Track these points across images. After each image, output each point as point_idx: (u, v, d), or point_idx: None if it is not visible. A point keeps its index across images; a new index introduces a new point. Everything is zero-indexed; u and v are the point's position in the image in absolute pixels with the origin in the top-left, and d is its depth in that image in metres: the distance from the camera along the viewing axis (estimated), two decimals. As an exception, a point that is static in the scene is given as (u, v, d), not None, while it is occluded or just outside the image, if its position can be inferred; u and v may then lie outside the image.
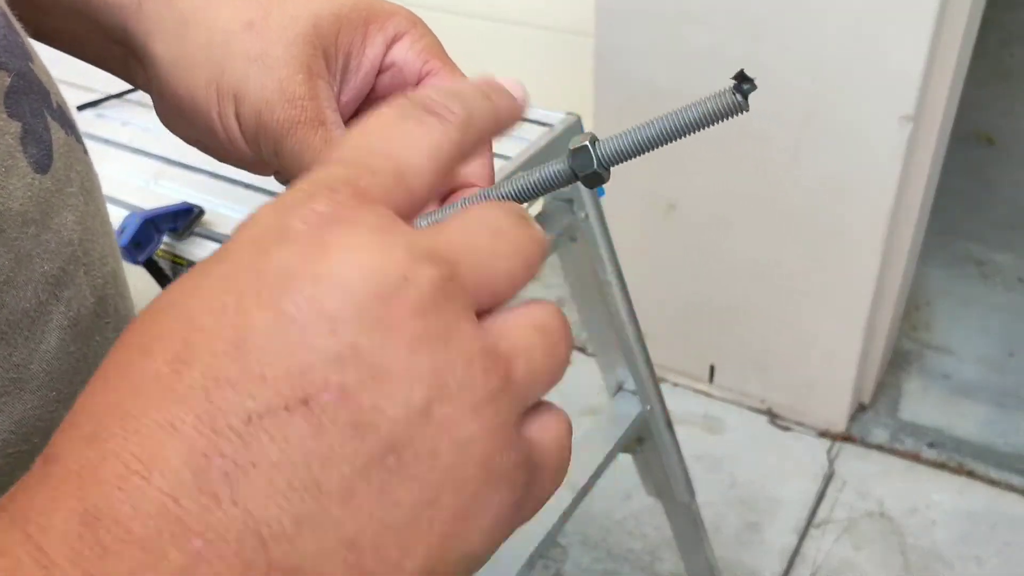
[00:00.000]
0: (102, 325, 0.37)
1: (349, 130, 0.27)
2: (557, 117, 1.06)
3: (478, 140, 0.27)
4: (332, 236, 0.22)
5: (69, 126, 0.37)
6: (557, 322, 0.25)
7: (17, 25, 0.35)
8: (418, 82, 0.40)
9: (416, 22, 0.40)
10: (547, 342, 0.25)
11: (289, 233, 0.22)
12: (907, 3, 1.44)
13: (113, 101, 1.13)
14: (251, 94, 0.36)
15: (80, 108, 1.10)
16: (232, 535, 0.20)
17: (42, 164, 0.33)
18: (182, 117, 0.39)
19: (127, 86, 1.16)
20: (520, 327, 0.24)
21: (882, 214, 1.65)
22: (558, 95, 2.12)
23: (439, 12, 2.19)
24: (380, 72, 0.39)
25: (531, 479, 0.24)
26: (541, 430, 0.25)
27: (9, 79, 0.32)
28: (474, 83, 0.29)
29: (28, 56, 0.34)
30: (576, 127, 1.06)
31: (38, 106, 0.34)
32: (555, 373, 0.25)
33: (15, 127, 0.32)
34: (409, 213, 0.25)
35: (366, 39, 0.38)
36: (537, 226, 0.26)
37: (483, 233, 0.24)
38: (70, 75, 1.18)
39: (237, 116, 0.37)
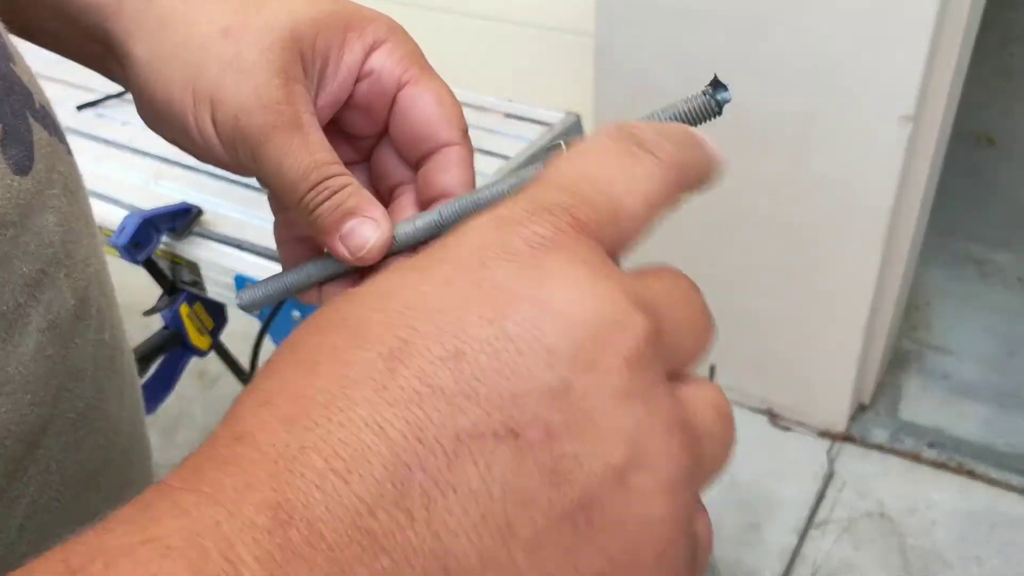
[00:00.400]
0: (83, 327, 0.37)
1: (568, 152, 0.25)
2: (557, 116, 1.07)
3: (687, 188, 0.26)
4: (552, 263, 0.21)
5: (52, 127, 0.36)
6: (729, 407, 0.25)
7: (0, 27, 0.35)
8: (397, 90, 0.39)
9: (396, 29, 0.40)
10: (725, 428, 0.24)
11: (511, 251, 0.21)
12: (907, 3, 1.44)
13: (113, 101, 1.13)
14: (227, 99, 0.36)
15: (80, 108, 1.10)
16: (419, 561, 0.19)
17: (22, 166, 0.32)
18: (160, 118, 0.39)
19: (127, 85, 1.16)
20: (705, 406, 0.23)
21: (882, 214, 1.65)
22: (558, 94, 2.12)
23: (439, 12, 2.19)
24: (359, 79, 0.39)
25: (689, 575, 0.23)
26: (704, 526, 0.25)
27: None
28: (682, 128, 0.27)
29: (10, 58, 0.34)
30: (576, 126, 1.06)
31: (20, 107, 0.33)
32: (725, 463, 0.25)
33: None
34: (616, 254, 0.24)
35: (344, 45, 0.38)
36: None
37: (683, 299, 0.25)
38: (70, 75, 1.18)
39: (213, 121, 0.36)
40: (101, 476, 0.37)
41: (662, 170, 0.25)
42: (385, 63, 0.38)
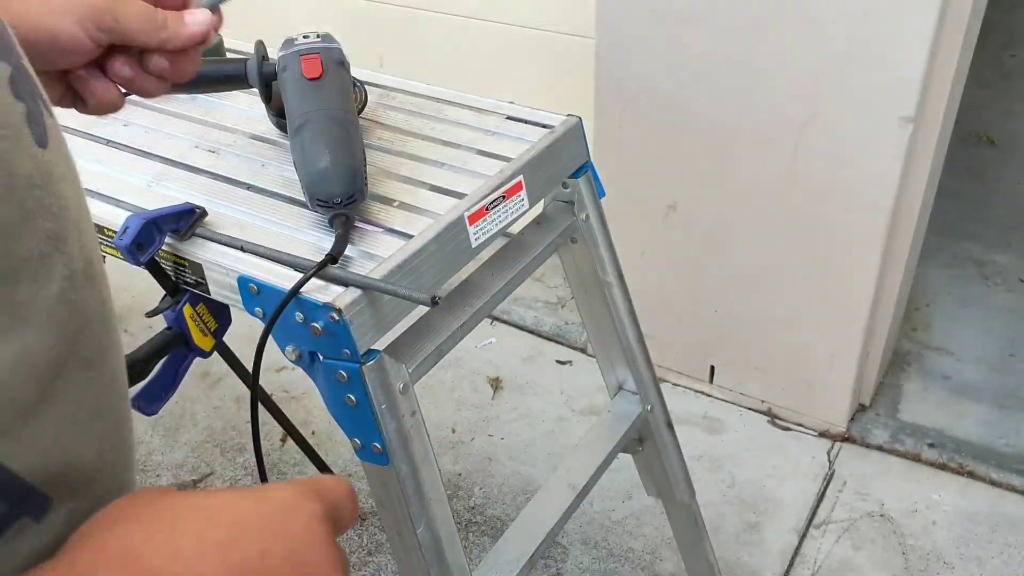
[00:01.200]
0: (91, 284, 0.43)
1: (333, 478, 0.45)
2: (558, 119, 1.07)
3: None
4: (320, 527, 0.41)
5: (51, 115, 0.44)
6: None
7: (8, 29, 0.42)
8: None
9: None
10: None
11: (302, 512, 0.40)
12: (908, 4, 1.45)
13: (115, 102, 1.14)
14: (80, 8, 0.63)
15: (82, 109, 1.11)
16: None
17: (42, 140, 0.40)
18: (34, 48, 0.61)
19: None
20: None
21: (882, 215, 1.65)
22: (559, 97, 2.13)
23: (440, 15, 2.20)
24: None
25: None
26: None
27: (10, 69, 0.39)
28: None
29: (20, 55, 0.42)
30: (577, 128, 1.07)
31: (35, 93, 0.41)
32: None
33: (21, 107, 0.39)
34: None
35: None
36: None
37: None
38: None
39: (76, 20, 0.62)
40: (105, 411, 0.44)
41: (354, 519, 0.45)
42: None
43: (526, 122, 1.07)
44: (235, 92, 1.16)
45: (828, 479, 1.88)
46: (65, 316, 0.41)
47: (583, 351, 2.22)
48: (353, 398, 0.83)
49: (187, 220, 0.88)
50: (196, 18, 0.67)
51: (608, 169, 1.85)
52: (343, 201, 0.84)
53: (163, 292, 0.94)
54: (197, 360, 1.21)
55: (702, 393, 2.09)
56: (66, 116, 0.46)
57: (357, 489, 1.88)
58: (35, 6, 0.61)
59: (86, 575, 0.34)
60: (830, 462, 1.92)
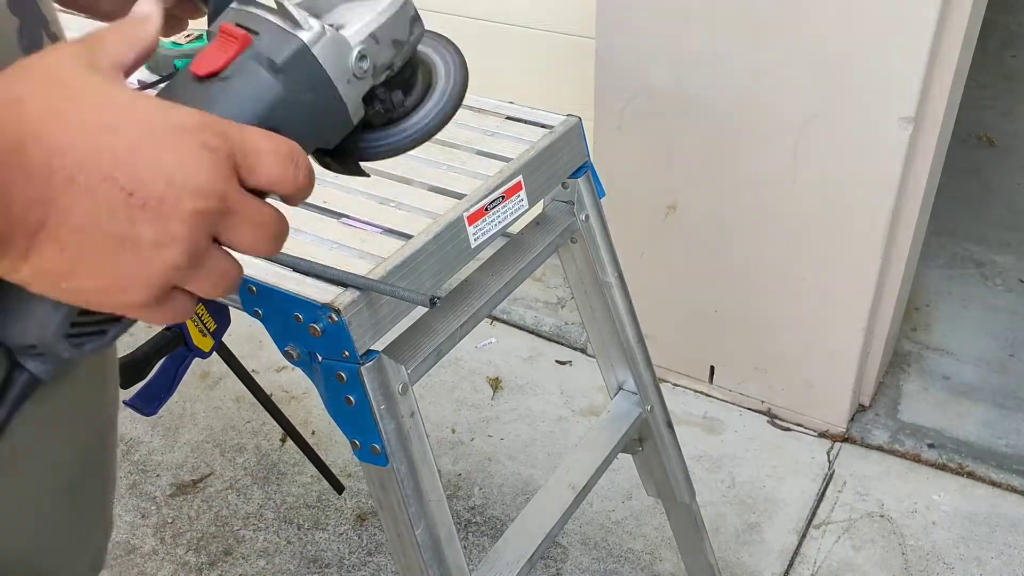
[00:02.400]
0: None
1: (263, 131, 0.44)
2: (557, 119, 1.07)
3: (295, 197, 0.46)
4: (201, 152, 0.40)
5: (56, 36, 0.51)
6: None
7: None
8: None
9: None
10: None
11: (193, 135, 0.40)
12: (908, 5, 1.45)
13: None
14: None
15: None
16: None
17: (29, 51, 0.45)
18: None
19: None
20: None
21: (882, 215, 1.65)
22: (559, 97, 2.12)
23: (442, 14, 2.20)
24: None
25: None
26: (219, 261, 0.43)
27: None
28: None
29: (54, 35, 0.50)
30: (577, 128, 1.06)
31: (35, 13, 0.47)
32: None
33: (15, 22, 0.44)
34: (243, 183, 0.43)
35: None
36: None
37: (255, 218, 0.43)
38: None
39: None
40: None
41: (294, 178, 0.45)
42: None
43: (525, 122, 1.07)
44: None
45: (828, 479, 1.88)
46: None
47: (583, 351, 2.22)
48: (352, 399, 0.83)
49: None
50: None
51: (608, 169, 1.85)
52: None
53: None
54: (196, 360, 1.21)
55: (702, 393, 2.09)
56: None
57: (356, 489, 1.88)
58: None
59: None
60: (830, 462, 1.92)
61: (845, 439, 1.96)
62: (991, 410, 2.01)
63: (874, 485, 1.86)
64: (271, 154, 0.43)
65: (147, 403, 1.20)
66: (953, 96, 1.61)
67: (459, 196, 0.93)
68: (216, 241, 0.42)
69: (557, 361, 2.21)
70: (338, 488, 1.78)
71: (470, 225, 0.91)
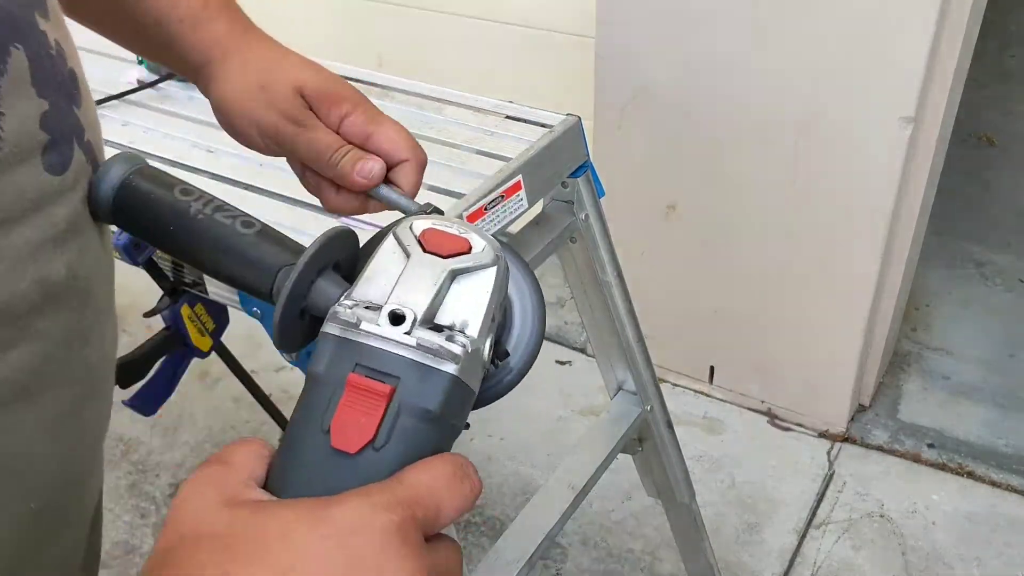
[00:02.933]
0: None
1: (423, 463, 0.39)
2: (557, 118, 1.07)
3: (468, 511, 0.41)
4: (395, 542, 0.35)
5: (93, 160, 0.50)
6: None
7: (62, 59, 0.47)
8: (365, 140, 0.65)
9: (360, 100, 0.66)
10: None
11: (370, 529, 0.35)
12: (908, 5, 1.45)
13: (113, 102, 1.14)
14: (267, 123, 0.65)
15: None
16: None
17: (56, 169, 0.45)
18: (228, 127, 0.67)
19: (126, 86, 1.16)
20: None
21: (882, 215, 1.65)
22: (559, 97, 2.12)
23: (441, 14, 2.20)
24: (337, 133, 0.65)
25: None
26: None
27: (46, 105, 0.45)
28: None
29: (76, 102, 0.48)
30: (576, 128, 1.06)
31: (70, 135, 0.47)
32: None
33: (43, 137, 0.44)
34: (428, 534, 0.38)
35: (329, 110, 0.65)
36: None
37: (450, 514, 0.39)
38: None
39: (259, 135, 0.65)
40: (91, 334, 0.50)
41: (473, 494, 0.40)
42: (354, 125, 0.65)
43: (525, 122, 1.07)
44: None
45: (828, 479, 1.88)
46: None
47: (583, 351, 2.22)
48: (352, 398, 0.82)
49: (185, 220, 0.88)
50: (366, 168, 0.64)
51: (608, 169, 1.85)
52: None
53: (161, 292, 0.94)
54: (195, 360, 1.21)
55: (702, 393, 2.09)
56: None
57: (356, 489, 1.87)
58: (247, 90, 0.65)
59: None
60: (830, 462, 1.91)
61: (845, 439, 1.96)
62: (991, 410, 2.01)
63: (874, 485, 1.86)
64: (446, 491, 0.38)
65: (146, 403, 1.20)
66: (953, 96, 1.61)
67: (458, 196, 0.93)
68: None
69: (557, 361, 2.21)
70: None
71: (470, 225, 0.91)
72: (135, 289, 1.24)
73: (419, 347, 0.39)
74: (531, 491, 1.85)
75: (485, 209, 0.92)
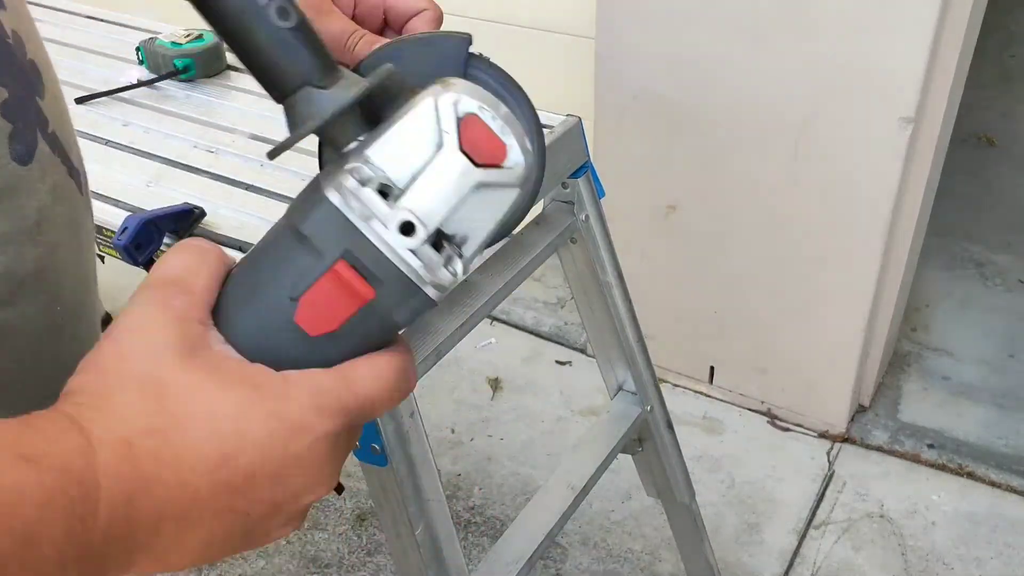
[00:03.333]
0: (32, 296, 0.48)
1: (372, 363, 0.40)
2: (557, 119, 1.07)
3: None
4: (327, 447, 0.38)
5: (61, 153, 0.49)
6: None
7: (20, 49, 0.46)
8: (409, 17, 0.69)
9: None
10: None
11: (312, 431, 0.38)
12: (908, 5, 1.45)
13: (113, 102, 1.14)
14: None
15: (78, 101, 1.11)
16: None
17: (22, 159, 0.44)
18: None
19: (123, 84, 1.15)
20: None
21: (882, 215, 1.65)
22: (559, 97, 2.12)
23: (444, 15, 2.19)
24: (355, 5, 0.68)
25: None
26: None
27: (6, 93, 0.43)
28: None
29: (39, 93, 0.47)
30: (577, 128, 1.06)
31: (33, 125, 0.46)
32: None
33: (7, 127, 0.43)
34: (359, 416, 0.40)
35: None
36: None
37: (381, 400, 0.40)
38: (72, 76, 1.18)
39: None
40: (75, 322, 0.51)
41: (410, 390, 0.42)
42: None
43: (525, 122, 1.07)
44: (233, 93, 1.16)
45: (828, 480, 1.88)
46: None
47: (583, 351, 2.22)
48: (352, 399, 0.82)
49: (186, 220, 0.88)
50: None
51: (608, 169, 1.85)
52: None
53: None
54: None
55: (702, 393, 2.09)
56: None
57: (356, 489, 1.87)
58: None
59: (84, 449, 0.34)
60: (830, 463, 1.92)
61: (845, 439, 1.96)
62: (991, 410, 2.01)
63: (874, 485, 1.86)
64: (386, 393, 0.40)
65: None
66: (953, 96, 1.61)
67: (459, 196, 0.93)
68: None
69: (557, 361, 2.21)
70: (337, 488, 1.77)
71: (470, 225, 0.91)
72: (135, 290, 1.25)
73: (414, 265, 0.39)
74: (531, 491, 1.85)
75: (485, 209, 0.92)
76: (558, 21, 2.08)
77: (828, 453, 1.94)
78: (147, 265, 0.88)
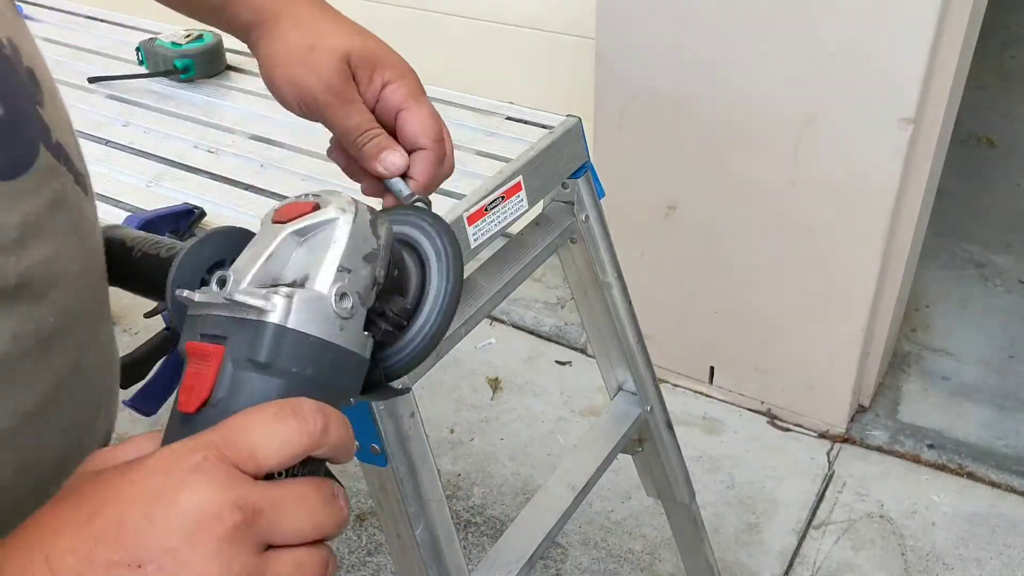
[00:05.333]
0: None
1: (247, 409, 0.40)
2: (557, 119, 1.07)
3: (328, 450, 0.40)
4: (192, 478, 0.36)
5: (67, 162, 0.49)
6: (313, 563, 0.39)
7: (34, 74, 0.46)
8: (398, 112, 0.66)
9: (405, 73, 0.67)
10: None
11: (171, 471, 0.37)
12: (908, 5, 1.45)
13: (113, 102, 1.14)
14: (305, 87, 0.66)
15: (91, 80, 1.11)
16: None
17: (7, 174, 0.43)
18: (271, 87, 0.69)
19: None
20: (287, 563, 0.38)
21: (882, 216, 1.65)
22: (559, 97, 2.12)
23: (442, 15, 2.20)
24: (376, 102, 0.67)
25: None
26: None
27: (2, 110, 0.43)
28: (337, 413, 0.41)
29: (39, 102, 0.47)
30: (577, 129, 1.06)
31: (33, 136, 0.45)
32: None
33: None
34: (254, 475, 0.38)
35: (372, 77, 0.66)
36: (341, 505, 0.40)
37: (294, 499, 0.39)
38: (72, 76, 1.18)
39: (296, 98, 0.67)
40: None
41: (302, 431, 0.39)
42: (392, 96, 0.66)
43: (525, 122, 1.07)
44: (233, 93, 1.16)
45: (827, 480, 1.88)
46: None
47: (583, 351, 2.22)
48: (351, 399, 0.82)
49: (186, 220, 0.88)
50: (389, 158, 0.65)
51: (608, 169, 1.85)
52: None
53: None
54: (196, 360, 1.20)
55: (702, 394, 2.09)
56: (68, 93, 0.48)
57: (356, 490, 1.87)
58: (294, 49, 0.67)
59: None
60: (829, 463, 1.92)
61: (845, 440, 1.96)
62: (991, 411, 2.01)
63: (874, 486, 1.86)
64: (262, 432, 0.39)
65: (147, 403, 1.20)
66: (953, 97, 1.61)
67: (459, 196, 0.93)
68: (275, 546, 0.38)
69: (557, 361, 2.21)
70: (337, 488, 1.78)
71: (470, 225, 0.91)
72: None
73: (235, 303, 0.42)
74: (531, 491, 1.86)
75: (485, 210, 0.92)
76: (558, 21, 2.08)
77: (828, 453, 1.94)
78: (147, 265, 0.88)
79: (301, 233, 0.44)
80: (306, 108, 0.66)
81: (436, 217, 0.53)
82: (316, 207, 0.45)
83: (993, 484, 1.84)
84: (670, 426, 1.31)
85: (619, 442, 1.21)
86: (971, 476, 1.86)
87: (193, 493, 0.36)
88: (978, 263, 2.45)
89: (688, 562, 1.52)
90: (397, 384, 0.46)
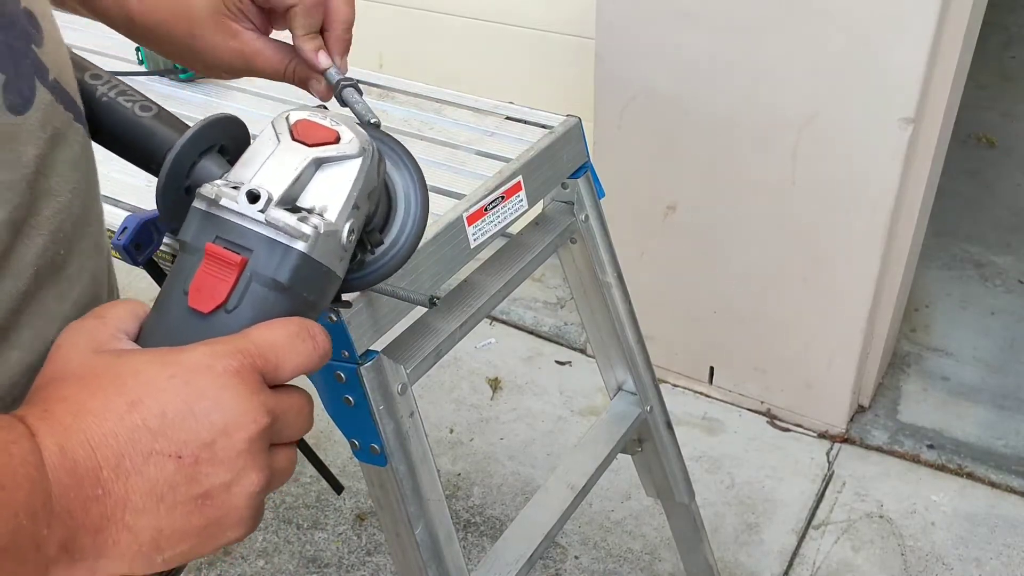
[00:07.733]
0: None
1: (268, 322, 0.44)
2: (557, 119, 1.07)
3: (314, 368, 0.46)
4: (232, 381, 0.41)
5: (65, 99, 0.50)
6: (306, 407, 0.47)
7: (31, 15, 0.47)
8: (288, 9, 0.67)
9: None
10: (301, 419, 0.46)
11: (211, 370, 0.40)
12: (908, 6, 1.45)
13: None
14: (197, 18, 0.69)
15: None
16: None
17: (16, 108, 0.45)
18: (149, 40, 0.72)
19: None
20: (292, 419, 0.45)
21: (882, 216, 1.65)
22: (559, 97, 2.12)
23: (443, 15, 2.20)
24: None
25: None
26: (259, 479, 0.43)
27: None
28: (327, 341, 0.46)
29: (36, 42, 0.48)
30: (577, 129, 1.06)
31: (30, 73, 0.46)
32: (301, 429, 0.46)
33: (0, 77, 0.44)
34: (271, 382, 0.43)
35: None
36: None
37: (296, 410, 0.45)
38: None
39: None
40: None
41: (313, 355, 0.44)
42: None
43: (525, 122, 1.07)
44: (233, 92, 1.16)
45: (827, 480, 1.88)
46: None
47: (582, 351, 2.22)
48: (351, 399, 0.83)
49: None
50: (317, 87, 0.71)
51: (608, 169, 1.85)
52: None
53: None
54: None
55: (701, 394, 2.09)
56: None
57: (356, 489, 1.88)
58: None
59: (24, 416, 0.39)
60: (829, 463, 1.92)
61: (844, 440, 1.96)
62: (990, 411, 2.01)
63: (873, 486, 1.86)
64: (287, 347, 0.43)
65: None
66: (953, 96, 1.61)
67: (459, 196, 0.93)
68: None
69: (557, 361, 2.21)
70: (337, 488, 1.77)
71: (469, 225, 0.91)
72: (136, 289, 1.24)
73: (270, 224, 0.43)
74: (531, 491, 1.86)
75: (485, 210, 0.92)
76: (558, 22, 2.08)
77: (828, 453, 1.94)
78: (147, 265, 0.88)
79: (323, 160, 0.46)
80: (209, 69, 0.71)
81: (394, 139, 0.56)
82: (338, 137, 0.47)
83: (992, 484, 1.84)
84: (670, 426, 1.31)
85: (619, 442, 1.21)
86: (971, 476, 1.86)
87: (235, 395, 0.40)
88: (978, 263, 2.45)
89: (688, 562, 1.52)
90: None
